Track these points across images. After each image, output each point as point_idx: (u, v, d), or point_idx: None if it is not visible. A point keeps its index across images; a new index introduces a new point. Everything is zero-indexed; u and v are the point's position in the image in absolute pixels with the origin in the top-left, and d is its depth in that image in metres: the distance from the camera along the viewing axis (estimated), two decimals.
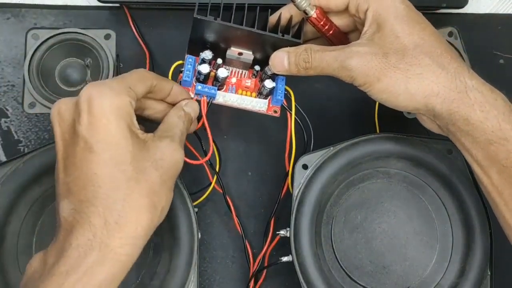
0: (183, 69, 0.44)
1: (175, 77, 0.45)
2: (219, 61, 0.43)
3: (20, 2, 0.56)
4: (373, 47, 0.39)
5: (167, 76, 0.43)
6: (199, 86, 0.43)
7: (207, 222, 0.53)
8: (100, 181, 0.33)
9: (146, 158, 0.35)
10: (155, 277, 0.44)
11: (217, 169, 0.49)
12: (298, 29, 0.42)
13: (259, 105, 0.46)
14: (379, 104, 0.51)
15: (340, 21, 0.44)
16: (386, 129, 0.51)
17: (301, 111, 0.47)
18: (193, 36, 0.42)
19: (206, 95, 0.43)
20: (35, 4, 0.56)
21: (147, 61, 0.55)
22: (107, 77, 0.47)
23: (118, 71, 0.50)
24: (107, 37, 0.48)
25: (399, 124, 0.52)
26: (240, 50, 0.43)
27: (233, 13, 0.41)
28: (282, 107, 0.46)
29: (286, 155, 0.48)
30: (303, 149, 0.48)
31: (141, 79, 0.38)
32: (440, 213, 0.47)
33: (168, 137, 0.38)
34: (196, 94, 0.44)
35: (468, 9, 0.58)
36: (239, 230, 0.51)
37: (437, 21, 0.59)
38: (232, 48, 0.43)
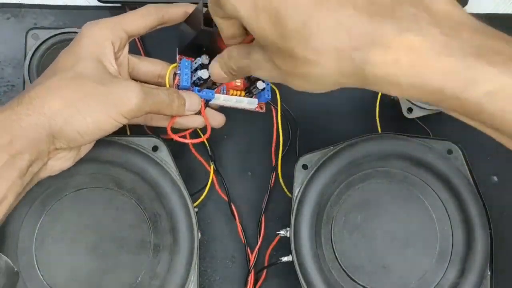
0: (178, 72, 0.44)
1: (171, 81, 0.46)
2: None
3: (20, 2, 0.56)
4: None
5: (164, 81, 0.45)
6: (197, 91, 0.44)
7: (207, 222, 0.53)
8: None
9: (100, 81, 0.38)
10: (155, 277, 0.44)
11: (212, 168, 0.49)
12: None
13: (250, 104, 0.47)
14: (379, 103, 0.51)
15: None
16: (386, 129, 0.51)
17: (287, 108, 0.52)
18: (189, 39, 0.43)
19: (204, 99, 0.45)
20: (35, 4, 0.56)
21: None
22: None
23: None
24: None
25: (399, 124, 0.52)
26: None
27: None
28: (267, 103, 0.49)
29: (273, 149, 0.51)
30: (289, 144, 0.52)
31: (142, 16, 0.42)
32: (440, 213, 0.47)
33: (138, 84, 0.39)
34: None
35: (468, 9, 0.58)
36: (242, 238, 0.52)
37: None
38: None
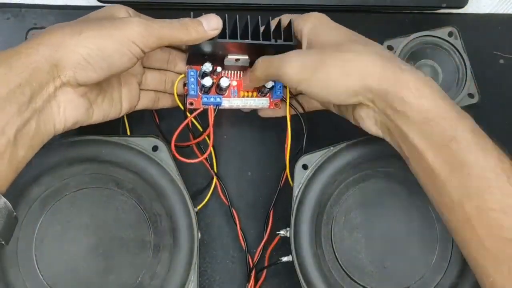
0: (186, 81, 0.46)
1: (180, 90, 0.48)
2: (219, 69, 0.46)
3: (20, 2, 0.56)
4: (310, 48, 0.42)
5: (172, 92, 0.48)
6: (205, 98, 0.46)
7: (207, 222, 0.53)
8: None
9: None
10: (155, 277, 0.44)
11: (215, 171, 0.49)
12: (289, 31, 0.44)
13: (262, 103, 0.48)
14: None
15: None
16: None
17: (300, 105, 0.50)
18: (193, 51, 0.44)
19: (212, 105, 0.47)
20: (35, 4, 0.56)
21: None
22: None
23: None
24: None
25: None
26: (237, 57, 0.45)
27: (230, 27, 0.43)
28: (282, 100, 0.49)
29: (287, 147, 0.49)
30: (301, 145, 0.50)
31: (167, 37, 0.40)
32: None
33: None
34: (203, 104, 0.47)
35: (468, 9, 0.58)
36: (242, 244, 0.52)
37: (437, 21, 0.59)
38: (229, 56, 0.45)
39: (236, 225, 0.52)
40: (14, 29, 0.55)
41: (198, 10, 0.56)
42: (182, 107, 0.48)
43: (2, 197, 0.34)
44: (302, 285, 0.44)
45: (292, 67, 0.40)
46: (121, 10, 0.42)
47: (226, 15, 0.43)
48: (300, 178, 0.46)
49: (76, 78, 0.37)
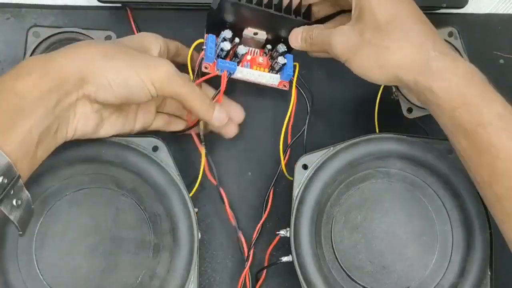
0: (204, 47, 0.47)
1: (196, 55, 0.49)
2: (237, 40, 0.47)
3: (20, 2, 0.56)
4: (354, 26, 0.42)
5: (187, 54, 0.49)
6: (221, 62, 0.47)
7: (207, 222, 0.53)
8: None
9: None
10: (155, 277, 0.44)
11: (204, 151, 0.49)
12: (308, 10, 0.46)
13: (272, 79, 0.50)
14: (379, 104, 0.51)
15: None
16: (386, 129, 0.51)
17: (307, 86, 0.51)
18: (214, 16, 0.45)
19: (227, 70, 0.47)
20: (35, 4, 0.56)
21: None
22: None
23: None
24: (107, 38, 0.48)
25: (399, 124, 0.52)
26: (256, 30, 0.47)
27: None
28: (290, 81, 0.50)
29: (289, 127, 0.50)
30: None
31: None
32: (440, 213, 0.47)
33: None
34: (217, 68, 0.47)
35: (468, 9, 0.58)
36: (232, 221, 0.51)
37: (437, 21, 0.59)
38: (249, 28, 0.47)
39: (224, 204, 0.51)
40: (14, 29, 0.55)
41: (198, 10, 0.56)
42: (190, 72, 0.48)
43: (26, 190, 0.36)
44: (302, 285, 0.44)
45: (337, 47, 0.43)
46: (155, 45, 0.45)
47: None
48: (300, 178, 0.46)
49: (96, 95, 0.39)
